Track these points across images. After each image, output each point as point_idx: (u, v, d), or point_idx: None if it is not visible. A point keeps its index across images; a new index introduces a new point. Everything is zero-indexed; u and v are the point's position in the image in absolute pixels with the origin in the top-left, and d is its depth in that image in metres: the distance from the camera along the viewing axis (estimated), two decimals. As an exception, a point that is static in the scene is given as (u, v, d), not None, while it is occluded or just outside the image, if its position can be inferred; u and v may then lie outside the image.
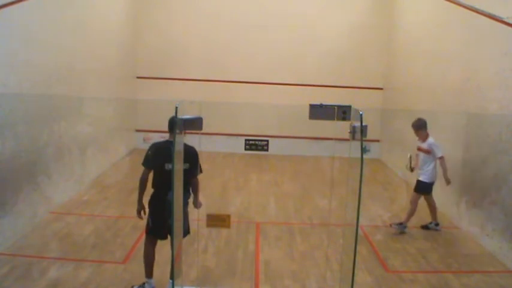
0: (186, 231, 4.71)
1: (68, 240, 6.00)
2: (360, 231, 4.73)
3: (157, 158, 4.54)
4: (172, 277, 4.60)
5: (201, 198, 4.96)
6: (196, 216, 4.84)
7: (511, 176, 5.74)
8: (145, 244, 4.82)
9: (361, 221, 3.90)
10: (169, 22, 12.50)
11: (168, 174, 4.36)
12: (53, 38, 7.06)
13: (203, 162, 4.88)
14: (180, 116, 4.01)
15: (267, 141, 12.84)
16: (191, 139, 4.58)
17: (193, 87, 12.33)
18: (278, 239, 6.43)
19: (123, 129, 11.62)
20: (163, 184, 4.45)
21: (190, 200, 4.81)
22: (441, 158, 6.63)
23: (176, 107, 3.92)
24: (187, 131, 4.17)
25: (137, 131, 12.63)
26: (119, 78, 11.13)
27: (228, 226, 4.75)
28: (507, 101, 5.99)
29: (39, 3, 6.57)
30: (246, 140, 12.72)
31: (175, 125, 4.39)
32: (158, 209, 4.54)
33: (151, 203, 4.66)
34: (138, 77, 12.66)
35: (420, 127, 6.77)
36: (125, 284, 4.87)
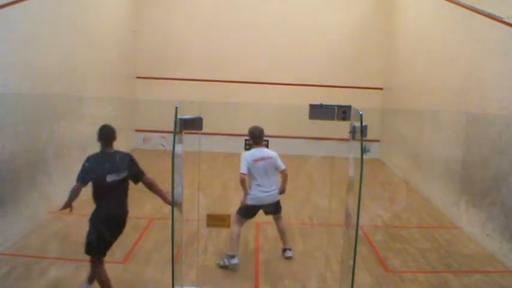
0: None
1: (68, 240, 5.99)
2: (359, 231, 4.73)
3: (97, 171, 4.30)
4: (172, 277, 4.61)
5: (201, 198, 4.96)
6: (196, 216, 4.84)
7: (511, 176, 5.73)
8: (97, 268, 4.43)
9: (361, 221, 3.90)
10: (169, 22, 12.50)
11: (110, 187, 4.31)
12: (52, 38, 7.06)
13: (203, 162, 4.88)
14: (180, 116, 4.02)
15: (267, 141, 12.78)
16: (191, 139, 4.58)
17: (193, 87, 12.33)
18: (278, 239, 6.42)
19: (122, 129, 11.58)
20: (105, 198, 4.33)
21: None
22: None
23: (176, 107, 3.93)
24: (187, 131, 4.17)
25: (137, 131, 12.62)
26: (118, 78, 11.12)
27: (228, 226, 4.75)
28: (507, 101, 5.98)
29: (39, 4, 6.57)
30: (246, 140, 12.65)
31: (109, 134, 4.43)
32: (103, 225, 4.36)
33: (95, 219, 4.38)
34: (138, 77, 12.66)
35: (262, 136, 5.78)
36: (125, 284, 4.87)
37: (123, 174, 4.39)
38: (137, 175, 4.50)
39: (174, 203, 4.00)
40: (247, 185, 5.44)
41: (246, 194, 5.45)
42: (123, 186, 4.43)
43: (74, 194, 4.30)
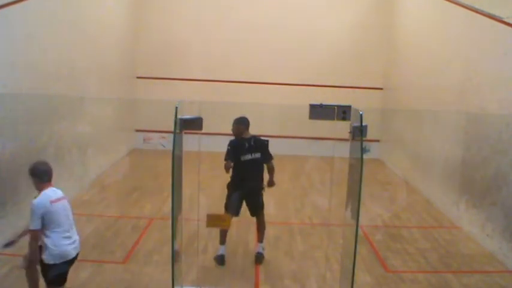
0: (261, 207, 5.73)
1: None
2: (359, 231, 4.73)
3: (235, 152, 5.39)
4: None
5: (202, 198, 4.98)
6: (196, 216, 4.85)
7: (511, 176, 5.74)
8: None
9: (361, 221, 3.90)
10: (169, 22, 12.48)
11: (243, 164, 5.40)
12: (52, 38, 7.05)
13: (203, 162, 4.90)
14: (179, 116, 4.02)
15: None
16: (191, 139, 4.59)
17: (193, 87, 12.31)
18: (278, 239, 6.43)
19: (123, 129, 11.60)
20: (239, 171, 5.42)
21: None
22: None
23: (176, 107, 3.93)
24: (186, 131, 4.17)
25: (137, 131, 12.60)
26: (118, 78, 11.12)
27: (228, 226, 4.76)
28: (507, 101, 5.99)
29: (39, 3, 6.56)
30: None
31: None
32: (235, 190, 5.46)
33: (231, 185, 5.55)
34: (138, 77, 12.65)
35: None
36: (125, 284, 4.87)
37: (256, 155, 5.46)
38: (265, 156, 5.56)
39: (174, 203, 4.00)
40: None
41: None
42: (257, 164, 5.50)
43: (227, 168, 5.38)
